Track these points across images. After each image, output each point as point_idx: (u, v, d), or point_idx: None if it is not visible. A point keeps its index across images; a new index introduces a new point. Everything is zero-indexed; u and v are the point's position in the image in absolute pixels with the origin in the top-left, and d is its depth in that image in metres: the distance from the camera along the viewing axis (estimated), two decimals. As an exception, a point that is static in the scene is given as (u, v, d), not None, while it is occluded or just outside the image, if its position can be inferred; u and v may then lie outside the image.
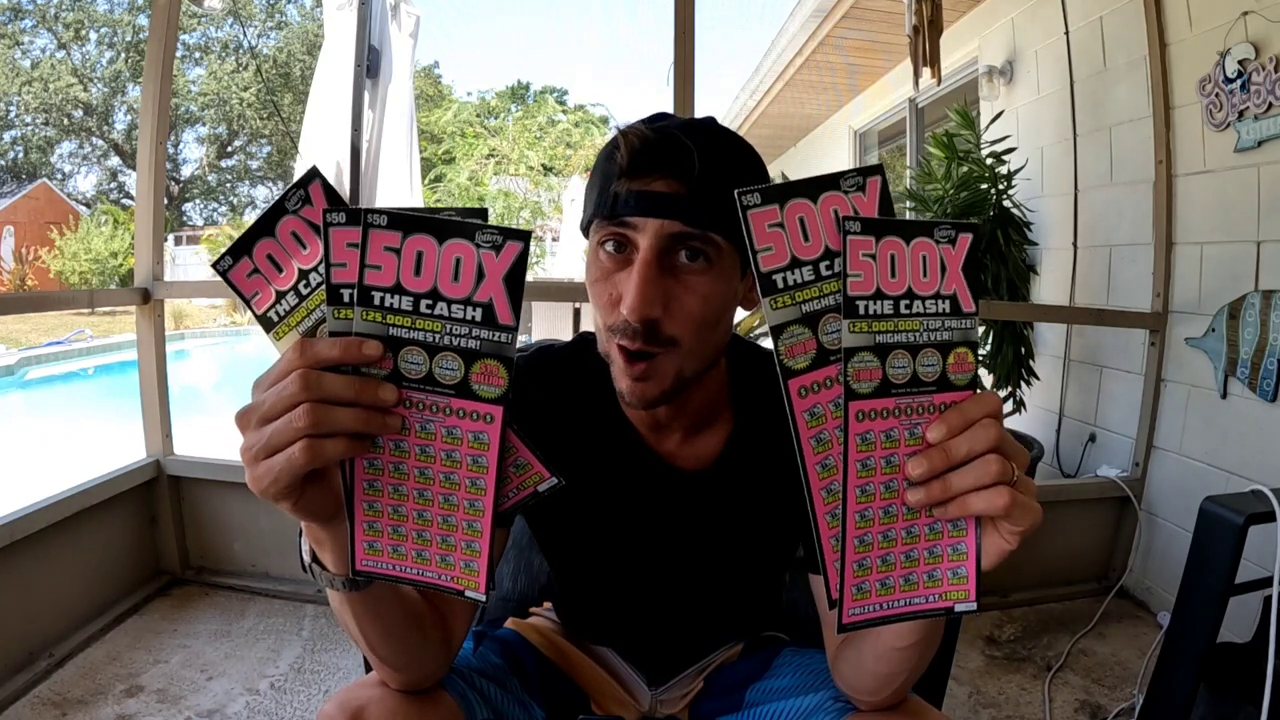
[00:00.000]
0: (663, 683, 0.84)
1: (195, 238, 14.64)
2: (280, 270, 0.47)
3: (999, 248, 2.44)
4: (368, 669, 0.67)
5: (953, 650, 0.99)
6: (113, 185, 17.84)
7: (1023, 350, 2.47)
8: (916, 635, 0.54)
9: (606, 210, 0.57)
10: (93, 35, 16.53)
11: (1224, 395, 1.86)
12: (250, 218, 17.70)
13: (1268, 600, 1.17)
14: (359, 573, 0.48)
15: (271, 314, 0.47)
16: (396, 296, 0.42)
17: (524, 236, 0.42)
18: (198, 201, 19.26)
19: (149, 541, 1.95)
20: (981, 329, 2.55)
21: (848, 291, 0.41)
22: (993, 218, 2.46)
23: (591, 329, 0.67)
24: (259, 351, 10.47)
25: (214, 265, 0.46)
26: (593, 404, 0.69)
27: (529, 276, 0.48)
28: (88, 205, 16.16)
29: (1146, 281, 2.09)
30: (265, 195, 19.77)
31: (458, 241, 0.42)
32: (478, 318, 0.42)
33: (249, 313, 0.48)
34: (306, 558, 0.53)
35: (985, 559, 0.46)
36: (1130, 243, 2.22)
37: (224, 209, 19.22)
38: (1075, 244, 2.46)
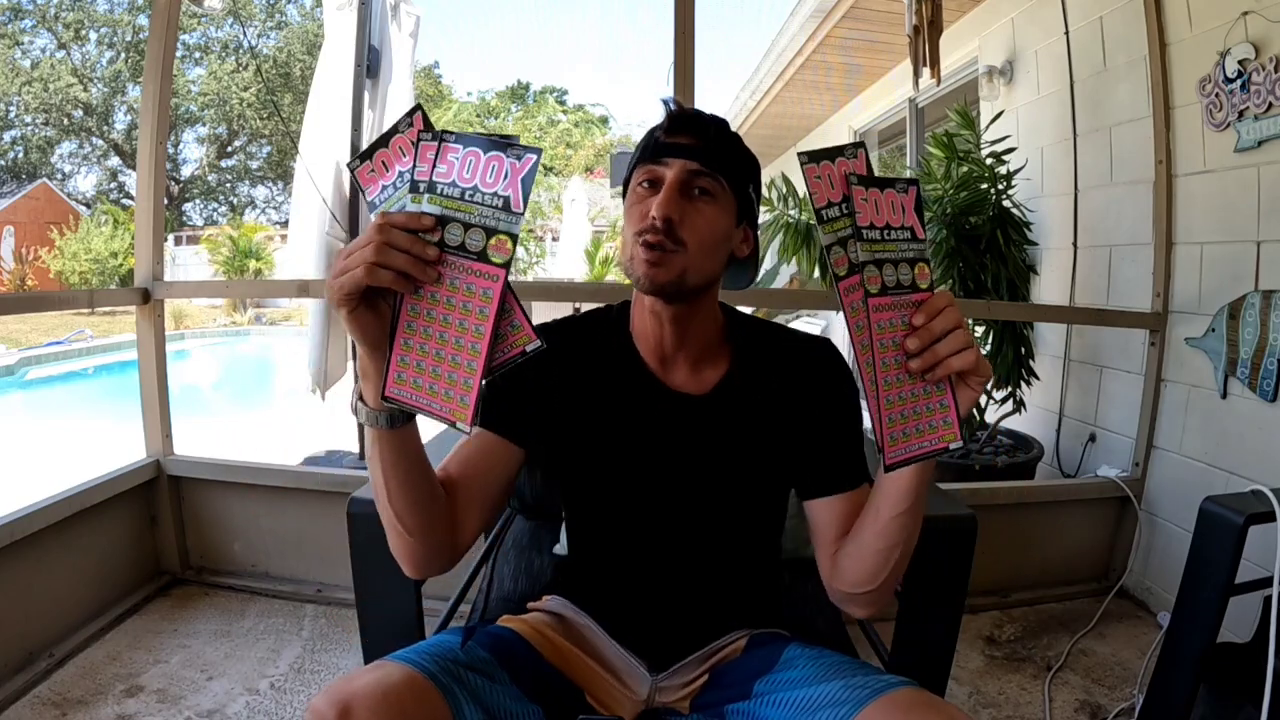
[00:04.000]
0: (664, 668, 0.85)
1: (195, 238, 14.61)
2: (388, 170, 0.64)
3: (999, 247, 2.43)
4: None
5: (952, 650, 0.99)
6: (113, 185, 17.84)
7: (1023, 350, 2.46)
8: (906, 503, 0.71)
9: (649, 155, 0.79)
10: (93, 35, 16.53)
11: (1224, 395, 1.86)
12: (250, 218, 17.75)
13: (1267, 600, 1.17)
14: (386, 398, 0.63)
15: (376, 200, 0.64)
16: (452, 186, 0.60)
17: (538, 151, 0.60)
18: (198, 201, 19.25)
19: (149, 541, 1.95)
20: (981, 329, 2.56)
21: (856, 223, 0.63)
22: (992, 217, 2.45)
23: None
24: (259, 351, 10.48)
25: (348, 164, 0.65)
26: (610, 346, 0.86)
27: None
28: (88, 205, 16.15)
29: (1146, 281, 2.09)
30: (265, 195, 19.77)
31: (496, 153, 0.60)
32: (499, 205, 0.60)
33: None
34: (354, 400, 0.68)
35: (961, 407, 0.66)
36: (1130, 243, 2.22)
37: (224, 209, 19.21)
38: (1075, 244, 2.46)
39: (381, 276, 0.59)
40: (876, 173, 0.65)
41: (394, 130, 0.64)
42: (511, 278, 0.62)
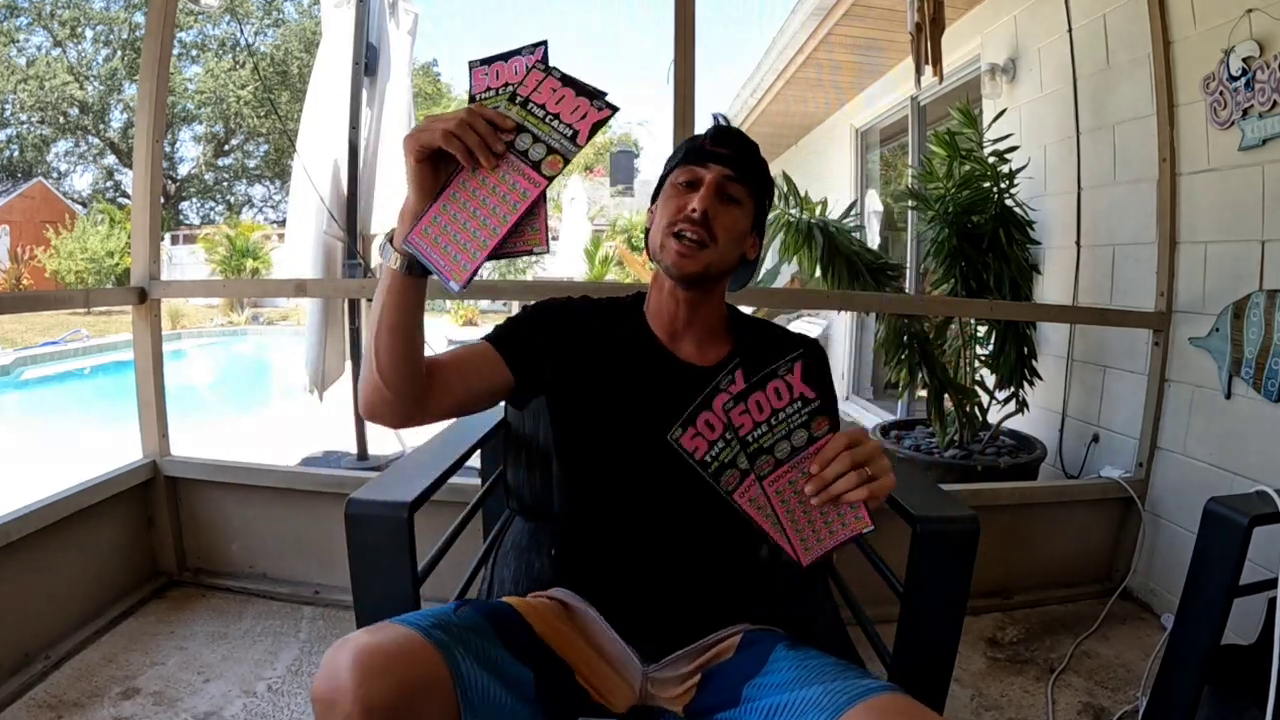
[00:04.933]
0: (656, 659, 0.87)
1: (192, 237, 14.58)
2: (497, 79, 0.78)
3: (1001, 246, 2.43)
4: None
5: (954, 652, 0.99)
6: (109, 184, 17.84)
7: (1025, 350, 2.46)
8: None
9: (693, 158, 0.93)
10: (89, 33, 16.52)
11: (1228, 395, 1.86)
12: (247, 217, 17.73)
13: (1272, 602, 1.17)
14: (407, 242, 0.74)
15: (477, 97, 0.78)
16: (540, 109, 0.75)
17: (615, 109, 0.75)
18: (194, 200, 19.25)
19: (145, 543, 1.95)
20: (984, 328, 2.56)
21: (739, 435, 0.73)
22: (995, 216, 2.45)
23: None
24: (256, 351, 10.47)
25: (470, 62, 0.79)
26: (627, 322, 0.99)
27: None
28: (84, 204, 16.14)
29: (1150, 281, 2.09)
30: (262, 194, 19.75)
31: (585, 98, 0.74)
32: (568, 134, 0.74)
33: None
34: (383, 239, 0.79)
35: (871, 506, 0.74)
36: (1134, 242, 2.22)
37: (221, 208, 19.21)
38: (1078, 243, 2.46)
39: (453, 144, 0.72)
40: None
41: (516, 52, 0.78)
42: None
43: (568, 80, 0.74)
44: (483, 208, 0.73)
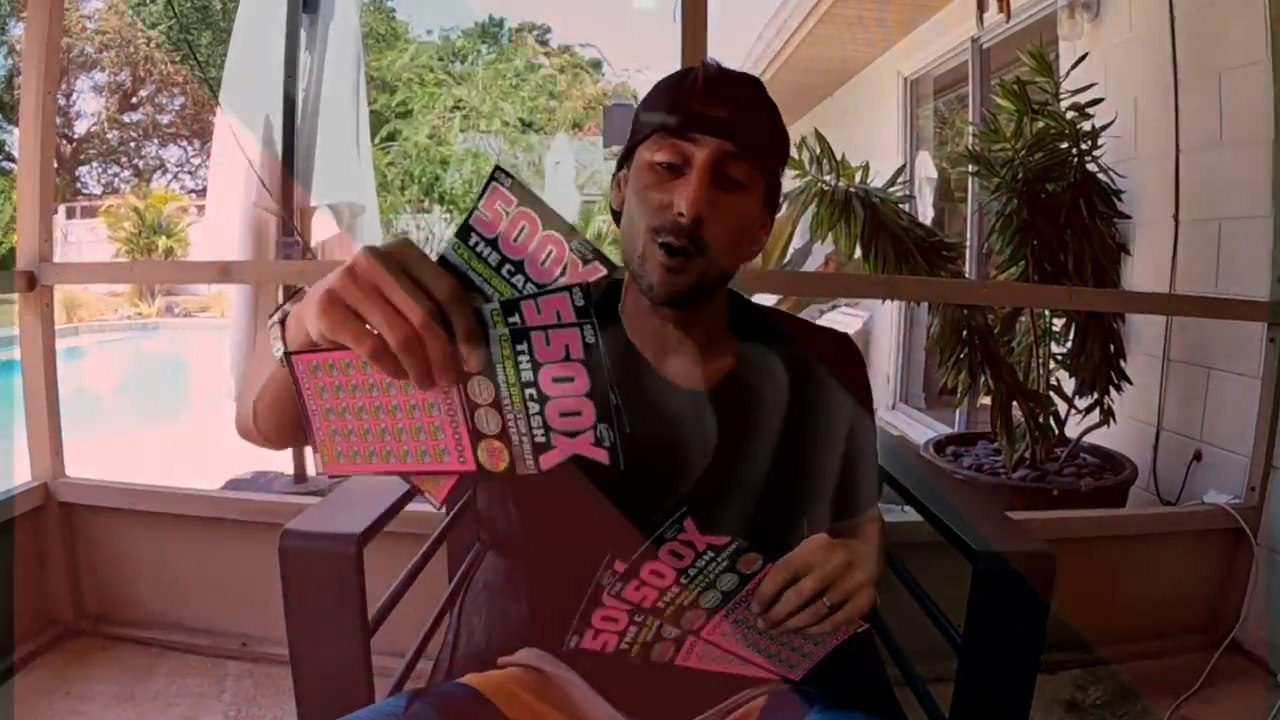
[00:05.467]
0: None
1: (92, 209, 14.62)
2: (518, 252, 0.56)
3: (1082, 221, 2.44)
4: None
5: (1025, 717, 0.99)
6: (-10, 145, 17.85)
7: (1111, 348, 2.47)
8: None
9: (675, 126, 0.81)
10: (-34, -40, 16.54)
11: (1360, 403, 1.86)
12: (159, 185, 17.74)
13: None
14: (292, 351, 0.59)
15: (464, 249, 0.57)
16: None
17: (614, 270, 0.54)
18: (95, 165, 19.26)
19: (35, 585, 1.95)
20: (1060, 321, 2.57)
21: (647, 609, 0.72)
22: (1074, 184, 2.46)
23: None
24: (169, 347, 10.48)
25: (496, 177, 0.55)
26: (603, 328, 0.84)
27: None
28: (-40, 169, 16.16)
29: (1265, 263, 2.09)
30: (178, 156, 19.76)
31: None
32: (537, 441, 0.55)
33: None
34: (279, 314, 0.63)
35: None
36: (1245, 215, 2.22)
37: (127, 173, 19.22)
38: (1176, 217, 2.47)
39: (384, 362, 0.52)
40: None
41: (564, 290, 0.55)
42: None
43: (598, 379, 0.54)
44: (389, 416, 0.57)
